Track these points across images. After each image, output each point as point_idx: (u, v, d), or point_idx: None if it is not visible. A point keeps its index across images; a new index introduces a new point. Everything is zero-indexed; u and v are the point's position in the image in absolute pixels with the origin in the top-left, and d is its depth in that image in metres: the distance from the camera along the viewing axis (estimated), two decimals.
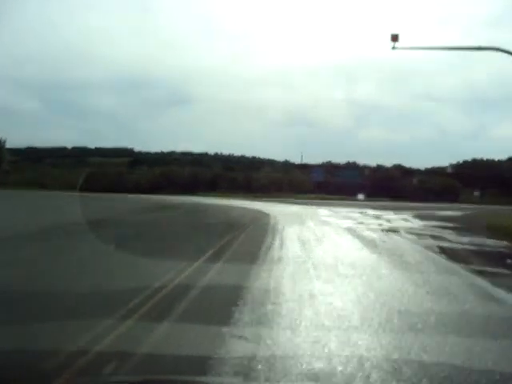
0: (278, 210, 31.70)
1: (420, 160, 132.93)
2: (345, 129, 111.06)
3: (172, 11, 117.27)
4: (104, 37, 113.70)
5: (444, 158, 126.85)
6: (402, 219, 27.75)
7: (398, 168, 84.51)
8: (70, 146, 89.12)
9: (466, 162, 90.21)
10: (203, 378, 4.04)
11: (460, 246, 15.59)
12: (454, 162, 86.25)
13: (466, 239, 17.64)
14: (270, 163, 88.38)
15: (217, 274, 9.38)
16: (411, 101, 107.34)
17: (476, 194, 67.60)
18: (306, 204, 42.81)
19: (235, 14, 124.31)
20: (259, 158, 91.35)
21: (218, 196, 56.04)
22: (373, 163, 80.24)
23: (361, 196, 61.51)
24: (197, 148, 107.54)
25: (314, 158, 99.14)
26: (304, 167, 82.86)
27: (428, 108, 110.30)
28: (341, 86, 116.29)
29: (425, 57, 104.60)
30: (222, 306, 6.80)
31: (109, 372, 4.38)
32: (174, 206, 35.33)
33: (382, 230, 20.03)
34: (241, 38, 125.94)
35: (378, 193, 66.01)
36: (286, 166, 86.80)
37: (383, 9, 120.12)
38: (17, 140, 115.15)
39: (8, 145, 74.91)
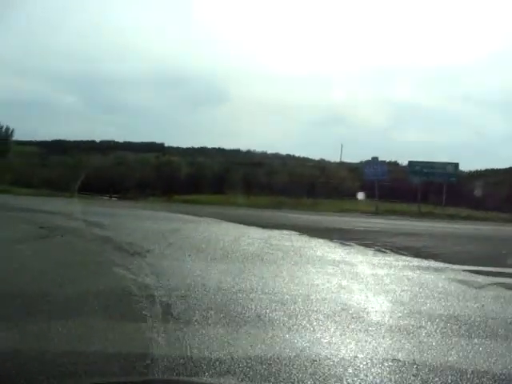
0: None
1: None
2: (381, 129, 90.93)
3: (210, 8, 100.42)
4: (140, 32, 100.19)
5: (483, 161, 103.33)
6: None
7: None
8: (98, 139, 74.26)
9: None
10: (205, 379, 3.45)
11: None
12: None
13: None
14: (304, 161, 67.12)
15: None
16: (449, 102, 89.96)
17: None
18: None
19: (273, 12, 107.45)
20: (294, 156, 72.84)
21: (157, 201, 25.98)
22: None
23: (361, 195, 34.62)
24: (229, 145, 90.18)
25: (351, 157, 75.86)
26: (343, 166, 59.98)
27: (467, 110, 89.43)
28: (378, 87, 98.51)
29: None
30: None
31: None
32: None
33: None
34: (279, 37, 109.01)
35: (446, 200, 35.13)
36: (322, 164, 64.44)
37: (420, 10, 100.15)
38: (47, 133, 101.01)
39: (36, 137, 67.96)
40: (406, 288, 7.38)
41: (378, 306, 6.10)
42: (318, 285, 7.26)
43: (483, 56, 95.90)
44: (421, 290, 7.27)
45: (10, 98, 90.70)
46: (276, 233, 14.67)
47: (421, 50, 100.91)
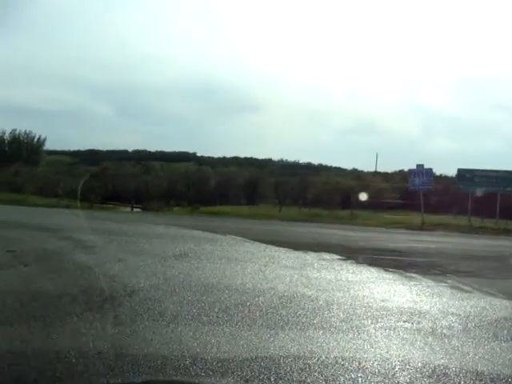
0: None
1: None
2: (413, 139, 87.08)
3: (240, 18, 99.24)
4: (172, 43, 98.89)
5: None
6: None
7: None
8: (130, 149, 74.06)
9: None
10: (205, 379, 3.45)
11: None
12: None
13: None
14: (337, 171, 64.71)
15: None
16: (481, 111, 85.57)
17: None
18: None
19: (303, 21, 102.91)
20: (326, 166, 70.41)
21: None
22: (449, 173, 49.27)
23: (363, 196, 32.10)
24: (261, 154, 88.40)
25: (384, 167, 72.81)
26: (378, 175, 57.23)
27: (498, 119, 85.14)
28: (410, 96, 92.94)
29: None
30: None
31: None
32: None
33: None
34: (310, 46, 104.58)
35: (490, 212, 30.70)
36: (356, 173, 61.14)
37: (449, 20, 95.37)
38: (81, 143, 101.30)
39: (71, 147, 68.52)
40: None
41: None
42: (394, 372, 4.07)
43: None
44: None
45: (45, 108, 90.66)
46: (313, 257, 11.46)
47: (452, 60, 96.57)
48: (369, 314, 6.23)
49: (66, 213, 23.00)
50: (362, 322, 5.82)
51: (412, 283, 8.74)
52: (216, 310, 5.92)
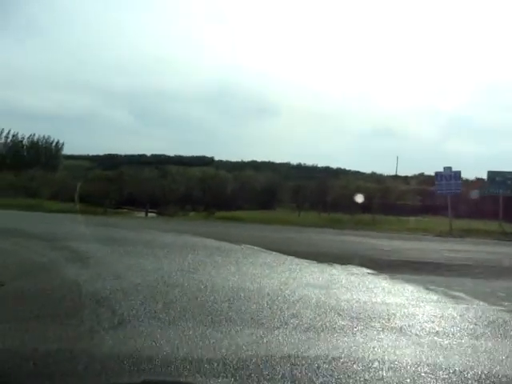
0: None
1: None
2: (432, 142, 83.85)
3: (259, 23, 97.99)
4: (190, 47, 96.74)
5: None
6: None
7: None
8: (149, 153, 73.22)
9: None
10: (204, 380, 3.33)
11: None
12: None
13: None
14: (356, 175, 62.14)
15: None
16: (500, 113, 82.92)
17: None
18: None
19: (321, 26, 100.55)
20: (344, 170, 69.21)
21: None
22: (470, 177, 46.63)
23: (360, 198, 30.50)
24: (279, 158, 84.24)
25: (403, 170, 71.13)
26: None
27: None
28: (429, 99, 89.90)
29: None
30: None
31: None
32: None
33: None
34: (326, 50, 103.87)
35: None
36: (375, 177, 59.59)
37: (471, 23, 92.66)
38: (100, 147, 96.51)
39: (88, 152, 67.91)
40: None
41: None
42: None
43: None
44: None
45: (63, 113, 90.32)
46: (340, 271, 9.98)
47: (469, 63, 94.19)
48: (422, 356, 4.74)
49: (78, 219, 21.80)
50: (418, 369, 4.34)
51: (462, 306, 7.22)
52: (223, 350, 4.49)
